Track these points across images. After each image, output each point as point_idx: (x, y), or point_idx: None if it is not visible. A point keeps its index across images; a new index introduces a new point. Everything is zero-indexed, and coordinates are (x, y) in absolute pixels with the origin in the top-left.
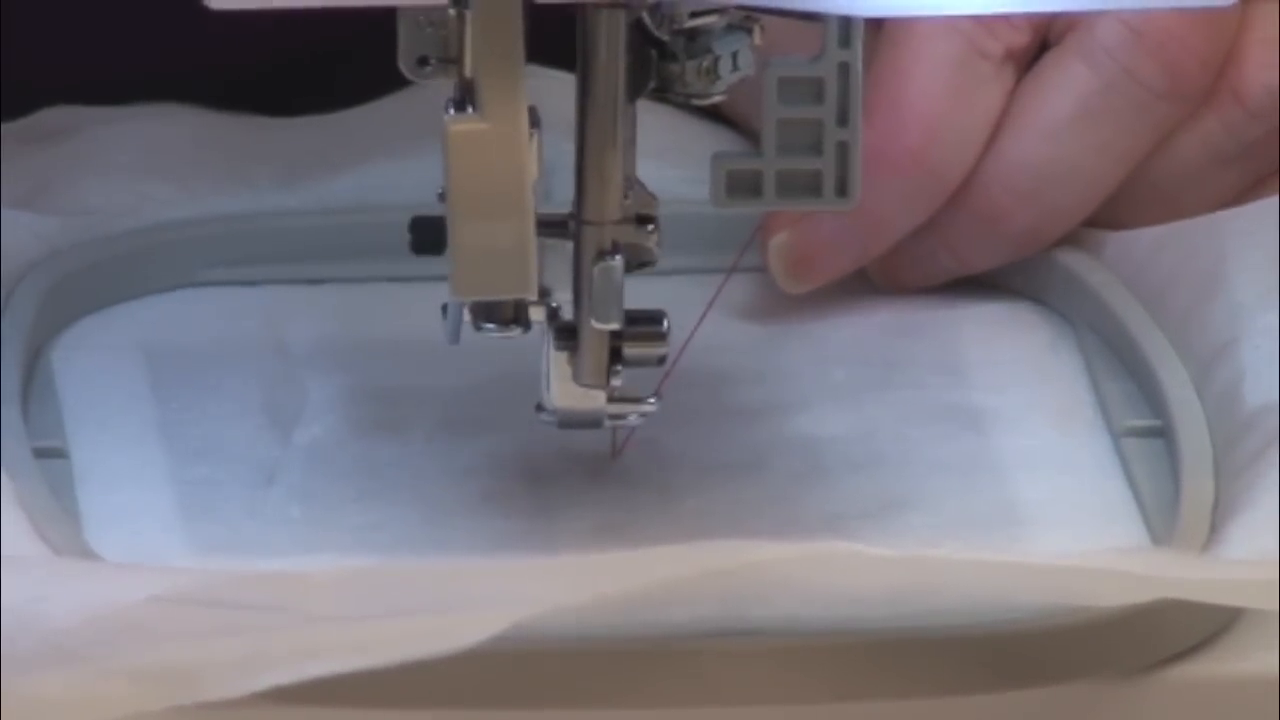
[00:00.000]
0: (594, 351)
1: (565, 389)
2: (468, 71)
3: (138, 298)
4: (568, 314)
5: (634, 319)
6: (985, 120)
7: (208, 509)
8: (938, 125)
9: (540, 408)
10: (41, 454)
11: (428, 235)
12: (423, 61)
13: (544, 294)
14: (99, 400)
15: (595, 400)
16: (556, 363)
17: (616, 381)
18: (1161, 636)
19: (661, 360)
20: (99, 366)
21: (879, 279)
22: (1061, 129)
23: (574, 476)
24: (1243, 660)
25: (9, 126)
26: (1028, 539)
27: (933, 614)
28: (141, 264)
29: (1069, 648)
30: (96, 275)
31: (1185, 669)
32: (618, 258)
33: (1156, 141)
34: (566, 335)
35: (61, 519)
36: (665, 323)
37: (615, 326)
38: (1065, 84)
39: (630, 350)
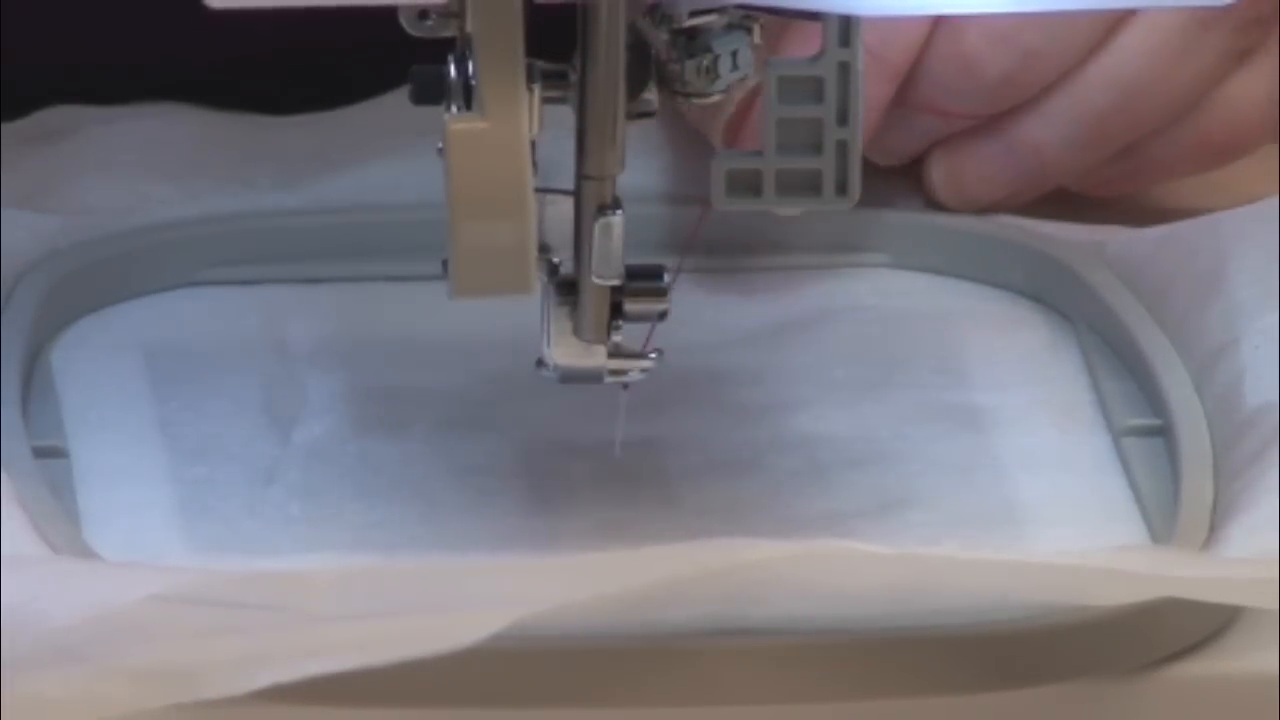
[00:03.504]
0: (594, 306)
1: (565, 344)
2: (469, 26)
3: (138, 298)
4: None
5: (634, 274)
6: None
7: (207, 508)
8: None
9: (540, 363)
10: (41, 453)
11: (428, 84)
12: (423, 15)
13: (544, 249)
14: (99, 400)
15: (596, 356)
16: (557, 318)
17: (617, 337)
18: (1161, 635)
19: (662, 315)
20: (99, 366)
21: (870, 152)
22: None
23: (574, 474)
24: (1242, 659)
25: (9, 126)
26: (1027, 538)
27: (932, 613)
28: (141, 264)
29: (1069, 646)
30: (96, 275)
31: (1185, 667)
32: (618, 213)
33: None
34: (567, 290)
35: (61, 518)
36: (666, 277)
37: (616, 282)
38: None
39: (631, 305)
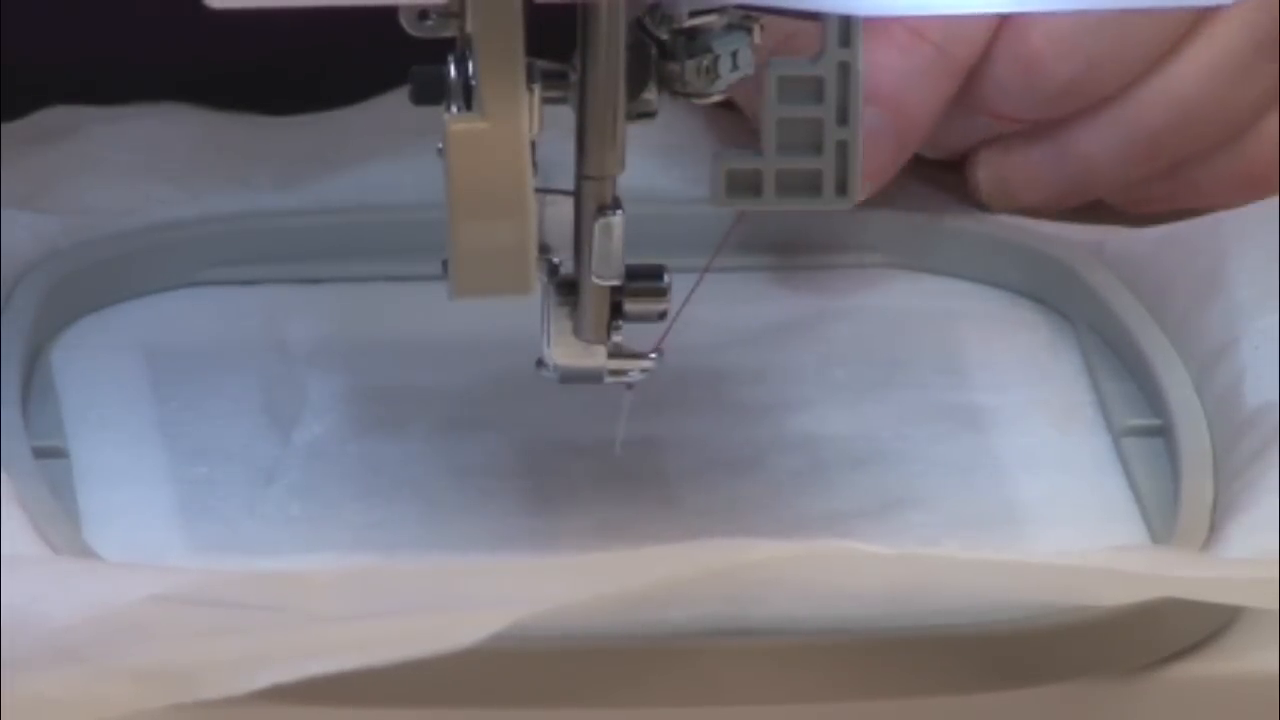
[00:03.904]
0: (595, 307)
1: (565, 344)
2: (469, 26)
3: (138, 298)
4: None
5: (634, 274)
6: None
7: (207, 508)
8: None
9: (540, 363)
10: (41, 453)
11: (428, 85)
12: (423, 15)
13: (544, 249)
14: (99, 400)
15: (596, 356)
16: (557, 318)
17: (617, 337)
18: (1161, 635)
19: (662, 315)
20: (99, 366)
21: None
22: None
23: (574, 474)
24: (1242, 659)
25: (9, 126)
26: (1027, 538)
27: (932, 613)
28: (141, 264)
29: (1069, 646)
30: (96, 275)
31: (1185, 668)
32: (618, 213)
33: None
34: (567, 290)
35: (61, 518)
36: (666, 278)
37: (616, 282)
38: None
39: (631, 306)
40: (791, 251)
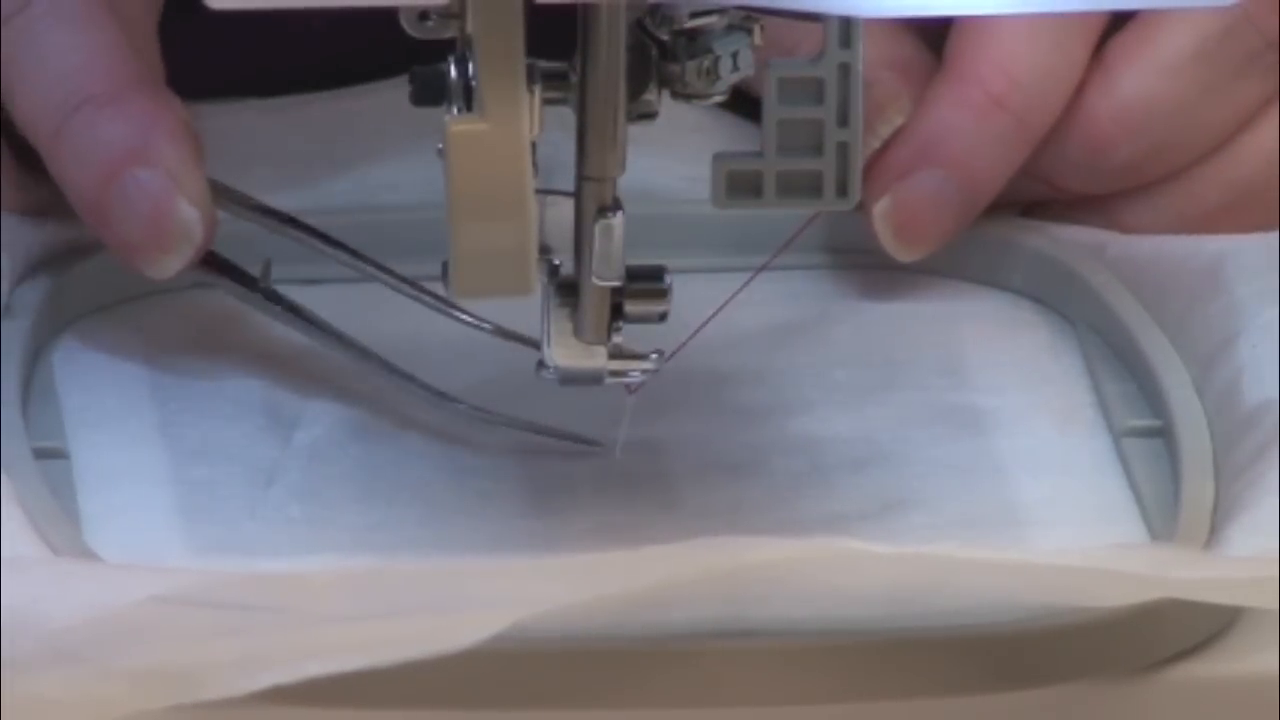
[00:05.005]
0: (595, 308)
1: (566, 345)
2: (469, 27)
3: (138, 298)
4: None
5: (635, 275)
6: (1070, 63)
7: (207, 509)
8: (1019, 69)
9: (541, 364)
10: (41, 454)
11: (428, 85)
12: (424, 16)
13: (544, 250)
14: (99, 400)
15: (596, 357)
16: (557, 319)
17: (617, 338)
18: (1162, 636)
19: (663, 317)
20: (99, 366)
21: None
22: (1179, 65)
23: (574, 476)
24: (1243, 660)
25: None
26: (1028, 539)
27: (933, 614)
28: None
29: (1070, 647)
30: (97, 275)
31: (1186, 668)
32: (619, 214)
33: (1263, 93)
34: (567, 291)
35: (61, 519)
36: (666, 278)
37: (616, 283)
38: (1187, 22)
39: (631, 307)
40: (792, 251)
